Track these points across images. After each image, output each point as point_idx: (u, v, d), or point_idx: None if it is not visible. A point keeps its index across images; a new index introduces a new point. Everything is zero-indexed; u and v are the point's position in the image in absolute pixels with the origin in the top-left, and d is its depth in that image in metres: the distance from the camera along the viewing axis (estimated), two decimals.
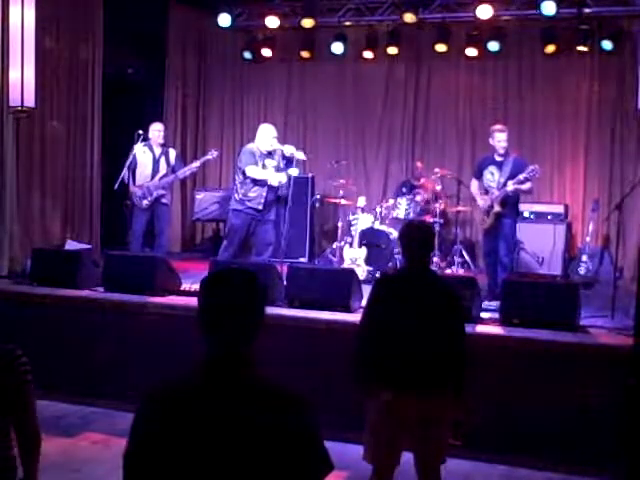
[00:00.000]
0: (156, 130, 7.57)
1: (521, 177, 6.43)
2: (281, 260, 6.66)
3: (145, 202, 7.37)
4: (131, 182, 7.41)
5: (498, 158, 6.71)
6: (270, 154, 6.99)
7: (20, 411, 2.40)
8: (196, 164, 7.76)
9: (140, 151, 7.46)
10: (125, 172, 7.33)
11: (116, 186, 7.32)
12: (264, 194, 6.88)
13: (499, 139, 6.66)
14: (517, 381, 4.80)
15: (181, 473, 1.69)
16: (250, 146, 7.08)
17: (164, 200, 7.53)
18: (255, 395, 1.72)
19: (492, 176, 6.70)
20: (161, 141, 7.60)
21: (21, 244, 7.14)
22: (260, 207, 6.89)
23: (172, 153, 7.71)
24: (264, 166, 6.94)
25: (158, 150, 7.56)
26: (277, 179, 6.91)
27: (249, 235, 7.02)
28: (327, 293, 5.58)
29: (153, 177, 7.44)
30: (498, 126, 6.87)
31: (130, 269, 6.14)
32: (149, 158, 7.48)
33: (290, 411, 1.72)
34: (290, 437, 1.68)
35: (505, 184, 6.53)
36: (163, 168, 7.51)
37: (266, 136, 6.97)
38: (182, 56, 10.56)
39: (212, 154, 7.66)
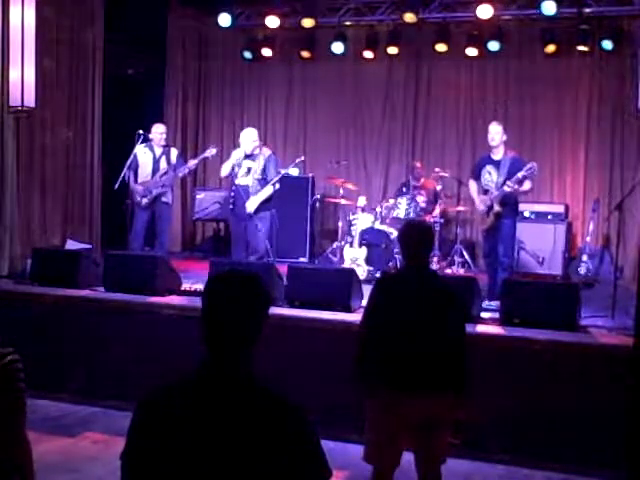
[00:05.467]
0: (158, 132, 7.56)
1: (519, 175, 6.40)
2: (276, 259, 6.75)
3: (145, 200, 7.37)
4: (132, 181, 7.43)
5: (495, 157, 6.69)
6: (251, 156, 7.08)
7: (8, 421, 2.12)
8: (195, 161, 7.77)
9: (141, 152, 7.47)
10: (126, 172, 7.34)
11: (116, 186, 7.32)
12: (232, 194, 7.05)
13: (490, 130, 6.67)
14: (517, 381, 4.80)
15: (178, 477, 1.69)
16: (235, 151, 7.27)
17: (165, 199, 7.52)
18: (252, 402, 1.71)
19: (490, 176, 6.69)
20: (163, 143, 7.60)
21: (21, 244, 7.14)
22: (230, 207, 7.10)
23: (173, 152, 7.70)
24: (240, 166, 7.05)
25: (159, 150, 7.56)
26: (241, 180, 7.03)
27: (245, 234, 7.05)
28: (327, 293, 5.57)
29: (153, 176, 7.45)
30: (494, 122, 6.88)
31: (130, 269, 6.14)
32: (149, 158, 7.49)
33: (288, 418, 1.71)
34: (288, 444, 1.67)
35: (504, 183, 6.51)
36: (163, 167, 7.51)
37: (245, 139, 7.10)
38: (182, 56, 10.56)
39: (211, 151, 7.67)
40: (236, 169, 7.05)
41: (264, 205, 7.02)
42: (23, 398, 2.19)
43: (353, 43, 9.98)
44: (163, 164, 7.53)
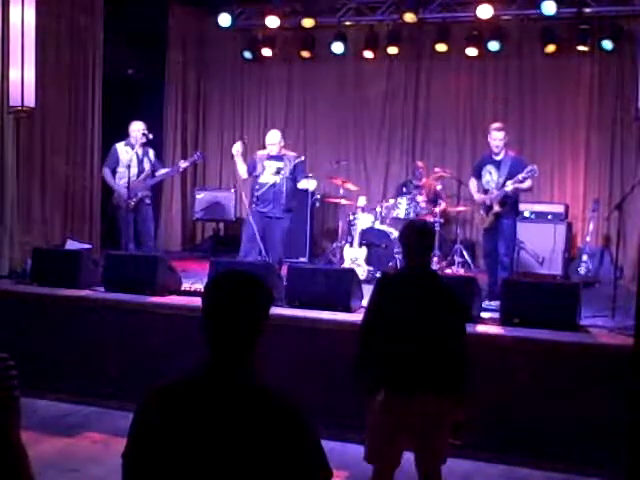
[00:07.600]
0: (136, 129, 7.34)
1: (520, 177, 6.43)
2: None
3: (131, 203, 7.23)
4: (113, 181, 7.32)
5: (496, 157, 6.71)
6: (278, 157, 7.04)
7: (3, 427, 2.06)
8: (186, 164, 7.74)
9: (122, 150, 7.33)
10: (105, 170, 7.33)
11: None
12: (257, 193, 6.97)
13: (495, 137, 6.66)
14: (517, 381, 4.80)
15: (178, 477, 1.69)
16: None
17: (148, 201, 7.46)
18: (254, 401, 1.71)
19: (490, 176, 6.71)
20: (143, 140, 7.30)
21: (21, 244, 7.13)
22: (254, 205, 6.98)
23: (151, 153, 7.57)
24: (263, 167, 7.01)
25: (140, 150, 7.37)
26: (268, 179, 6.99)
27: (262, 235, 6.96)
28: (327, 293, 5.57)
29: (138, 177, 7.32)
30: (496, 124, 6.84)
31: (130, 269, 6.14)
32: (134, 158, 7.29)
33: (288, 418, 1.71)
34: (289, 444, 1.67)
35: (504, 184, 6.53)
36: (147, 169, 7.42)
37: (274, 140, 7.08)
38: (182, 56, 10.55)
39: (198, 157, 7.72)
40: (259, 169, 7.01)
41: (291, 207, 7.05)
42: (18, 404, 2.19)
43: (353, 43, 9.98)
44: (147, 165, 7.43)
